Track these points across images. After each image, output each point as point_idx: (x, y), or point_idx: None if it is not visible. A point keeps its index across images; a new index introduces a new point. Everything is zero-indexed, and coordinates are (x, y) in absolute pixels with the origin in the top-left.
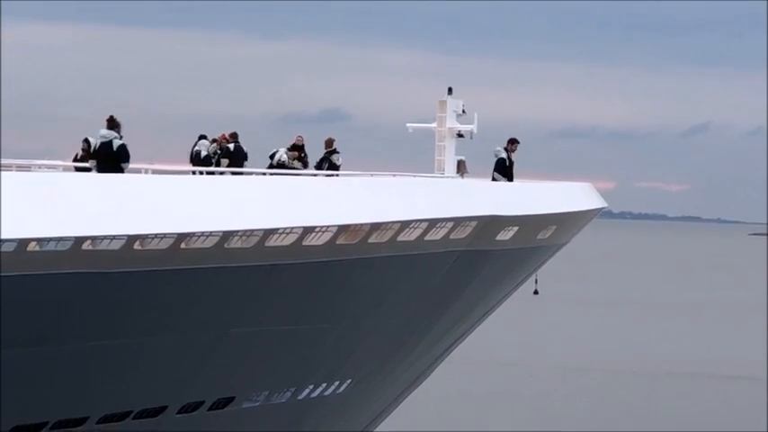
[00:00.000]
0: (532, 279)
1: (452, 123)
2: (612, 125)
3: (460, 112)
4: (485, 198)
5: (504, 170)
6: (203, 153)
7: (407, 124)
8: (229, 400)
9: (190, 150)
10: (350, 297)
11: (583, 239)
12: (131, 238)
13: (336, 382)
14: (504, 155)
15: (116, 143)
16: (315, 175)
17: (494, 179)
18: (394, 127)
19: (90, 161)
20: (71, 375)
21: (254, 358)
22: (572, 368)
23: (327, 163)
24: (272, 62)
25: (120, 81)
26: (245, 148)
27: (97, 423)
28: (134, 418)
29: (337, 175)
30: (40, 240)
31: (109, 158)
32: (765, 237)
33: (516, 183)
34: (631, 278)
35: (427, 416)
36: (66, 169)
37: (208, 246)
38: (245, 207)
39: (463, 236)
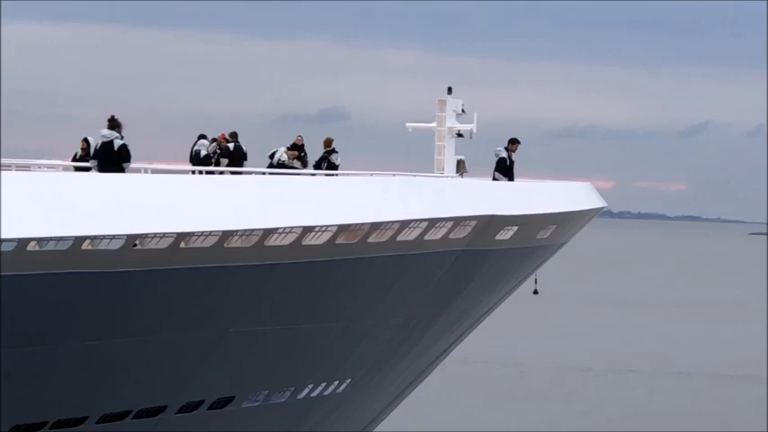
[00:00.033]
0: (532, 279)
1: (452, 123)
2: (612, 125)
3: (460, 111)
4: (484, 198)
5: (505, 170)
6: (203, 153)
7: (407, 124)
8: (229, 400)
9: (189, 150)
10: (349, 297)
11: (582, 239)
12: (131, 238)
13: (336, 382)
14: (504, 154)
15: (117, 143)
16: (314, 174)
17: (495, 179)
18: (393, 127)
19: (90, 161)
20: (71, 375)
21: (254, 358)
22: (572, 368)
23: (326, 162)
24: (271, 62)
25: (119, 81)
26: (244, 148)
27: (97, 423)
28: (133, 418)
29: (337, 175)
30: (39, 240)
31: (110, 158)
32: (765, 236)
33: (516, 182)
34: (631, 278)
35: (427, 416)
36: (65, 169)
37: (207, 245)
38: (244, 207)
39: (463, 235)
